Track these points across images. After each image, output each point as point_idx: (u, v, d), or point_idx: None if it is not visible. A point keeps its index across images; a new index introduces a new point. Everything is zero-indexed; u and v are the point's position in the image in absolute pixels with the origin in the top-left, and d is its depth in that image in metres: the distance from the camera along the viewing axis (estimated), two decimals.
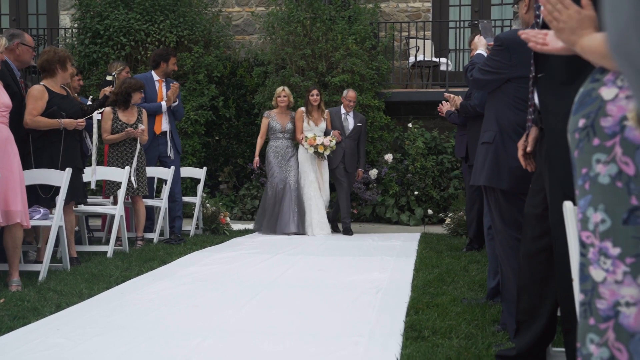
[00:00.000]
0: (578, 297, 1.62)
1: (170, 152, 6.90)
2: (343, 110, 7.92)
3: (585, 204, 1.57)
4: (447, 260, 5.59)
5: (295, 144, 7.94)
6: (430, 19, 10.31)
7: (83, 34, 9.54)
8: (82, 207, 5.79)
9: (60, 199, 4.83)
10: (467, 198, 6.23)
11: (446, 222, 7.71)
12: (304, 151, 7.75)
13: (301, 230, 7.64)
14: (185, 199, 7.50)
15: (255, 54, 9.73)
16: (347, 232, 7.78)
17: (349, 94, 7.89)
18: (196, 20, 9.63)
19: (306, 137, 7.60)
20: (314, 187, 7.75)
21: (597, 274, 1.53)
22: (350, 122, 7.91)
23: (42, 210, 4.83)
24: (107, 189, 6.36)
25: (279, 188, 7.70)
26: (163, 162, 6.94)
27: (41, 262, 4.77)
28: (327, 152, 7.60)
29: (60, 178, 4.84)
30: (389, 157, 8.97)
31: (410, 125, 9.29)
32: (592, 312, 1.53)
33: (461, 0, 10.47)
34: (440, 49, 10.19)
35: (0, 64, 4.44)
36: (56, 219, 4.81)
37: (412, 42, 9.92)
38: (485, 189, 3.45)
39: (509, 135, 3.28)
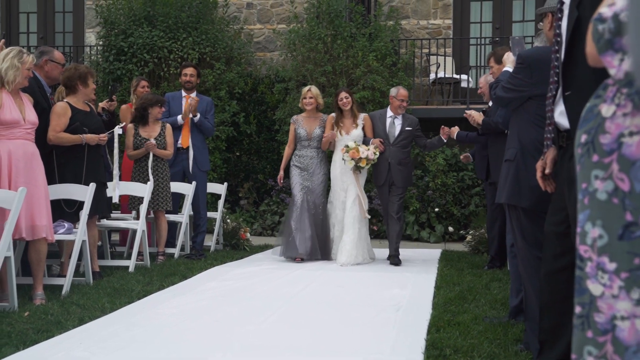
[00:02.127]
0: (575, 309, 1.65)
1: (191, 167, 6.89)
2: (390, 113, 6.59)
3: (584, 218, 1.61)
4: (469, 277, 5.54)
5: (325, 153, 6.85)
6: (451, 36, 10.33)
7: (108, 51, 9.70)
8: (104, 222, 5.86)
9: (84, 214, 4.89)
10: (488, 215, 6.19)
11: (467, 239, 7.65)
12: (338, 164, 6.56)
13: (315, 257, 6.51)
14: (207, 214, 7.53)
15: (276, 71, 9.82)
16: (394, 260, 6.45)
17: (400, 91, 6.56)
18: (218, 37, 9.76)
19: (347, 147, 6.35)
20: (353, 210, 6.46)
21: (595, 288, 1.57)
22: (397, 127, 6.55)
23: (66, 224, 4.90)
24: (129, 203, 6.42)
25: (299, 199, 6.62)
26: (186, 177, 6.95)
27: (65, 276, 4.82)
28: (368, 166, 6.41)
29: (84, 193, 4.91)
30: None
31: None
32: (590, 325, 1.57)
33: (482, 17, 10.49)
34: (461, 66, 10.19)
35: (29, 80, 4.53)
36: (80, 234, 4.87)
37: (433, 59, 9.94)
38: (507, 207, 3.43)
39: (530, 153, 3.27)
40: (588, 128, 1.63)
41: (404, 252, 7.56)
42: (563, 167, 2.64)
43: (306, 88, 6.88)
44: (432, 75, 9.87)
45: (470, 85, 9.81)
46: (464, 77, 9.86)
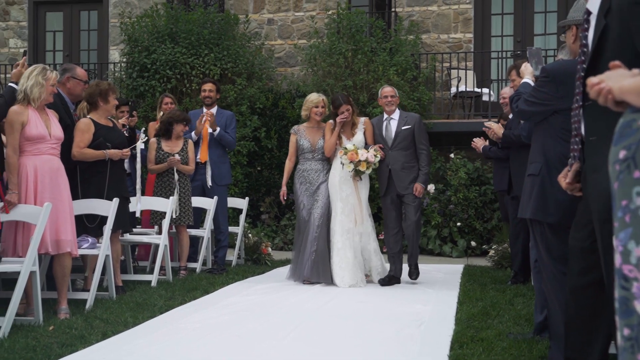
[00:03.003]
0: (622, 331, 1.59)
1: (209, 181, 6.89)
2: (385, 116, 6.13)
3: (626, 236, 1.56)
4: (492, 293, 5.48)
5: (330, 165, 6.23)
6: (472, 50, 10.31)
7: (131, 67, 9.84)
8: (127, 237, 5.91)
9: (108, 229, 4.94)
10: (511, 230, 6.12)
11: (490, 254, 7.57)
12: (337, 171, 5.99)
13: (321, 278, 5.96)
14: (228, 229, 7.55)
15: (297, 86, 9.87)
16: (412, 274, 6.07)
17: (382, 90, 6.14)
18: (239, 53, 9.85)
19: (345, 149, 5.86)
20: (349, 218, 5.95)
21: None
22: (392, 128, 6.02)
23: (90, 239, 4.95)
24: (151, 218, 6.47)
25: (304, 222, 6.13)
26: (205, 192, 6.95)
27: (88, 291, 4.86)
28: (369, 171, 5.93)
29: (107, 208, 4.96)
30: (431, 187, 8.91)
31: (452, 155, 9.24)
32: None
33: (503, 31, 10.45)
34: (482, 80, 10.15)
35: (53, 97, 4.61)
36: (103, 248, 4.92)
37: (454, 72, 9.92)
38: (531, 222, 3.39)
39: (556, 167, 3.23)
40: (627, 144, 1.58)
41: (426, 266, 7.50)
42: (587, 180, 2.60)
43: (317, 96, 6.26)
44: (453, 89, 9.85)
45: (492, 99, 9.76)
46: (485, 90, 9.82)
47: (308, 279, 5.96)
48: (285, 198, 6.38)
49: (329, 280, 5.91)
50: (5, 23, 11.76)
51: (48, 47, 11.80)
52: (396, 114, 6.07)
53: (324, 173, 6.19)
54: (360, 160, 5.79)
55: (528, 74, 3.75)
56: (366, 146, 6.01)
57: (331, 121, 6.13)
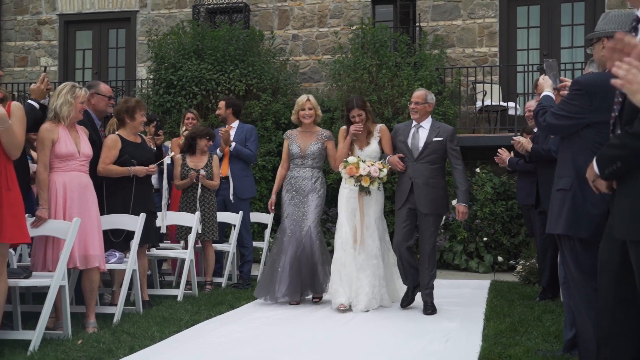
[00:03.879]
0: None
1: (231, 196, 6.87)
2: (414, 122, 5.42)
3: None
4: (520, 309, 5.40)
5: (322, 173, 5.86)
6: (498, 64, 10.26)
7: (158, 84, 9.99)
8: (154, 251, 5.96)
9: (135, 243, 4.99)
10: (538, 245, 6.04)
11: (517, 269, 7.47)
12: (345, 185, 5.46)
13: (295, 297, 5.57)
14: (253, 243, 7.56)
15: (321, 101, 9.89)
16: (427, 308, 5.29)
17: (414, 93, 5.48)
18: (264, 69, 9.93)
19: (345, 162, 5.32)
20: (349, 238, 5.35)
21: None
22: (421, 138, 5.32)
23: (117, 254, 5.01)
24: (177, 233, 6.52)
25: (288, 234, 5.61)
26: (226, 206, 6.92)
27: (116, 305, 4.91)
28: (375, 186, 5.31)
29: (134, 223, 5.01)
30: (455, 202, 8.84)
31: (478, 170, 9.17)
32: None
33: (529, 44, 10.39)
34: (508, 93, 10.09)
35: (82, 114, 4.69)
36: (130, 263, 4.97)
37: (479, 86, 9.87)
38: (560, 237, 3.33)
39: (588, 182, 3.16)
40: None
41: (452, 282, 7.43)
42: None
43: (303, 97, 5.79)
44: (479, 103, 9.80)
45: (518, 113, 9.68)
46: (511, 104, 9.75)
47: (281, 298, 5.54)
48: (273, 208, 5.85)
49: (318, 295, 5.62)
50: (37, 42, 12.05)
51: (78, 65, 12.04)
52: (427, 122, 5.37)
53: (313, 181, 5.65)
54: (361, 175, 5.22)
55: (548, 86, 3.69)
56: (382, 156, 5.47)
57: (343, 127, 5.60)
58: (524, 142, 5.47)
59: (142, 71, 11.43)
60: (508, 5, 10.42)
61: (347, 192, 5.45)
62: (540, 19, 10.39)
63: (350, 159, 5.30)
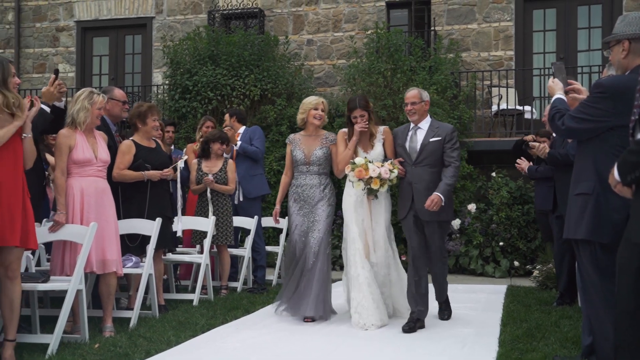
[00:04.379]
0: None
1: (241, 197, 6.88)
2: (412, 124, 5.02)
3: None
4: (537, 314, 5.35)
5: (330, 179, 5.42)
6: (513, 67, 10.20)
7: (173, 89, 10.06)
8: (170, 256, 5.99)
9: (151, 248, 5.02)
10: (555, 250, 5.99)
11: (534, 274, 7.41)
12: (353, 190, 5.02)
13: (323, 315, 5.12)
14: (268, 248, 7.57)
15: (336, 105, 9.91)
16: (442, 314, 5.21)
17: (407, 94, 5.05)
18: (279, 74, 9.97)
19: (353, 164, 4.92)
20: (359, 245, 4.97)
21: None
22: (418, 140, 4.94)
23: (133, 258, 5.04)
24: (193, 238, 6.55)
25: (299, 247, 5.21)
26: (237, 210, 6.93)
27: (132, 309, 4.94)
28: (384, 189, 4.91)
29: (150, 227, 5.04)
30: (472, 207, 8.80)
31: (494, 174, 9.12)
32: None
33: (545, 48, 10.33)
34: (524, 97, 10.03)
35: (99, 120, 4.74)
36: (146, 267, 4.99)
37: (495, 90, 9.82)
38: (578, 242, 3.29)
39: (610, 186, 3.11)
40: None
41: (468, 287, 7.38)
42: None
43: (316, 98, 5.41)
44: (494, 107, 9.75)
45: (534, 117, 9.62)
46: (527, 108, 9.69)
47: (310, 317, 5.06)
48: (277, 219, 5.55)
49: (329, 317, 5.16)
50: (55, 49, 12.19)
51: (95, 71, 12.17)
52: (425, 123, 4.97)
53: (321, 189, 5.25)
54: (371, 177, 4.81)
55: (559, 89, 3.60)
56: (385, 160, 5.05)
57: (343, 130, 5.24)
58: (541, 146, 5.43)
59: (157, 77, 11.51)
60: (524, 8, 10.37)
61: (353, 200, 5.03)
62: (556, 23, 10.32)
63: (357, 160, 4.91)
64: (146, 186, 5.28)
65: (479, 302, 6.19)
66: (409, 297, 4.91)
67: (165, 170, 5.38)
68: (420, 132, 4.94)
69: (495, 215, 8.71)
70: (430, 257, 4.98)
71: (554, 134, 5.65)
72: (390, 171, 4.82)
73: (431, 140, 4.86)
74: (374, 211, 5.01)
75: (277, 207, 5.48)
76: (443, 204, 4.71)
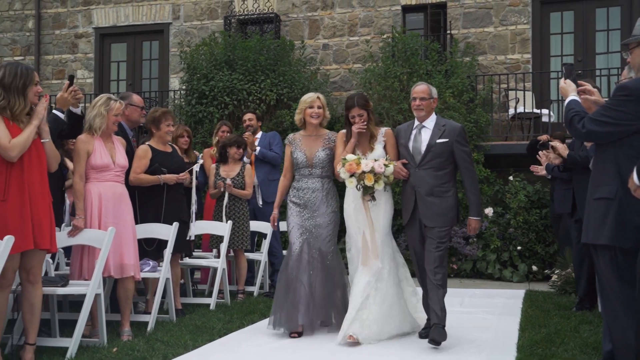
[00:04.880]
0: None
1: (260, 202, 6.92)
2: (416, 122, 4.68)
3: None
4: (556, 319, 5.29)
5: (333, 183, 5.02)
6: (531, 70, 10.13)
7: (190, 95, 10.12)
8: (187, 260, 6.01)
9: (168, 252, 5.05)
10: (574, 254, 5.92)
11: (553, 279, 7.34)
12: (352, 196, 4.69)
13: (314, 328, 4.78)
14: (285, 252, 7.56)
15: None
16: (433, 339, 4.29)
17: (415, 88, 4.70)
18: (295, 78, 9.99)
19: (344, 160, 4.55)
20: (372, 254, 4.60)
21: None
22: (423, 139, 4.57)
23: (151, 262, 5.07)
24: (210, 242, 6.57)
25: (296, 254, 4.83)
26: (256, 215, 6.96)
27: (150, 313, 4.97)
28: (380, 186, 4.48)
29: (167, 232, 5.07)
30: (489, 210, 8.75)
31: (511, 178, 9.06)
32: None
33: (563, 50, 10.24)
34: (542, 100, 9.95)
35: (117, 125, 4.78)
36: (164, 272, 5.02)
37: (512, 93, 9.76)
38: (597, 247, 3.24)
39: None
40: None
41: (486, 291, 7.32)
42: None
43: (312, 94, 5.01)
44: (512, 111, 9.69)
45: (552, 120, 9.55)
46: (545, 111, 9.61)
47: (295, 330, 4.69)
48: (276, 224, 5.11)
49: (324, 330, 4.79)
50: (73, 55, 12.33)
51: (112, 76, 12.29)
52: (430, 121, 4.60)
53: (324, 193, 4.89)
54: (364, 172, 4.42)
55: (572, 91, 3.51)
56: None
57: (343, 131, 4.86)
58: (561, 148, 5.37)
59: (174, 82, 11.59)
60: (541, 11, 10.30)
61: (353, 207, 4.68)
62: (574, 25, 10.24)
63: (349, 156, 4.54)
64: (162, 191, 5.31)
65: (497, 307, 6.14)
66: (424, 305, 4.67)
67: (181, 174, 5.41)
68: (425, 132, 4.57)
69: (512, 219, 8.64)
70: (426, 265, 4.49)
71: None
72: (385, 166, 4.44)
73: (438, 141, 4.49)
74: (372, 216, 4.62)
75: (275, 212, 5.06)
76: (482, 222, 4.32)
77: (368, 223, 4.58)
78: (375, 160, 4.46)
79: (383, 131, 4.79)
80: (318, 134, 4.99)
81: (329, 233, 4.86)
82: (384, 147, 4.73)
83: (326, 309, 4.78)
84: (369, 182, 4.40)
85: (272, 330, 4.85)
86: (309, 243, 4.83)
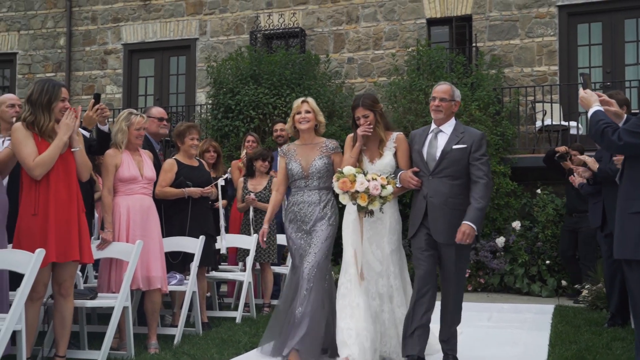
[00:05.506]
0: None
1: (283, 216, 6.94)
2: (433, 126, 4.20)
3: None
4: (587, 335, 5.19)
5: (332, 195, 4.56)
6: (558, 82, 10.03)
7: (216, 109, 10.21)
8: (213, 273, 6.04)
9: (194, 266, 5.08)
10: (606, 269, 5.81)
11: (583, 294, 7.20)
12: (351, 210, 4.27)
13: (311, 354, 4.21)
14: None
15: None
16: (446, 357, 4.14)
17: (436, 87, 4.20)
18: (320, 92, 10.01)
19: (339, 174, 4.13)
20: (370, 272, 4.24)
21: None
22: (439, 145, 4.11)
23: (177, 275, 5.10)
24: (237, 255, 6.60)
25: (297, 275, 4.44)
26: (283, 228, 6.97)
27: (176, 326, 4.99)
28: (376, 206, 4.07)
29: (193, 245, 5.10)
30: (516, 224, 8.64)
31: (539, 191, 8.94)
32: None
33: (591, 62, 10.12)
34: (570, 112, 9.83)
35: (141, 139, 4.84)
36: (190, 285, 5.05)
37: (539, 106, 9.66)
38: (631, 262, 3.17)
39: None
40: None
41: (514, 306, 7.21)
42: None
43: (297, 101, 4.57)
44: (539, 123, 9.58)
45: (580, 132, 9.42)
46: (572, 123, 9.49)
47: (287, 356, 4.21)
48: (264, 239, 4.66)
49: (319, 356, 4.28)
50: (103, 71, 12.56)
51: (140, 92, 12.47)
52: (448, 126, 4.13)
53: (321, 207, 4.46)
54: (357, 192, 4.02)
55: (595, 101, 3.42)
56: (396, 171, 4.25)
57: (351, 134, 4.45)
58: (590, 162, 5.29)
59: (201, 96, 11.72)
60: (568, 22, 10.20)
61: (352, 218, 4.26)
62: (602, 36, 10.12)
63: (346, 169, 4.09)
64: (187, 204, 5.35)
65: (526, 322, 6.05)
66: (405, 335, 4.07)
67: (207, 187, 5.44)
68: (442, 137, 4.09)
69: (540, 232, 8.52)
70: (443, 285, 4.12)
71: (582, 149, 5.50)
72: (382, 187, 3.99)
73: (454, 147, 4.02)
74: (374, 231, 4.24)
75: (265, 226, 4.62)
76: (477, 233, 3.87)
77: (359, 241, 4.17)
78: (374, 179, 4.01)
79: (394, 136, 4.35)
80: (314, 141, 4.56)
81: (326, 249, 4.42)
82: (395, 154, 4.32)
83: (327, 334, 4.32)
84: (362, 202, 4.02)
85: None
86: (305, 259, 4.39)
